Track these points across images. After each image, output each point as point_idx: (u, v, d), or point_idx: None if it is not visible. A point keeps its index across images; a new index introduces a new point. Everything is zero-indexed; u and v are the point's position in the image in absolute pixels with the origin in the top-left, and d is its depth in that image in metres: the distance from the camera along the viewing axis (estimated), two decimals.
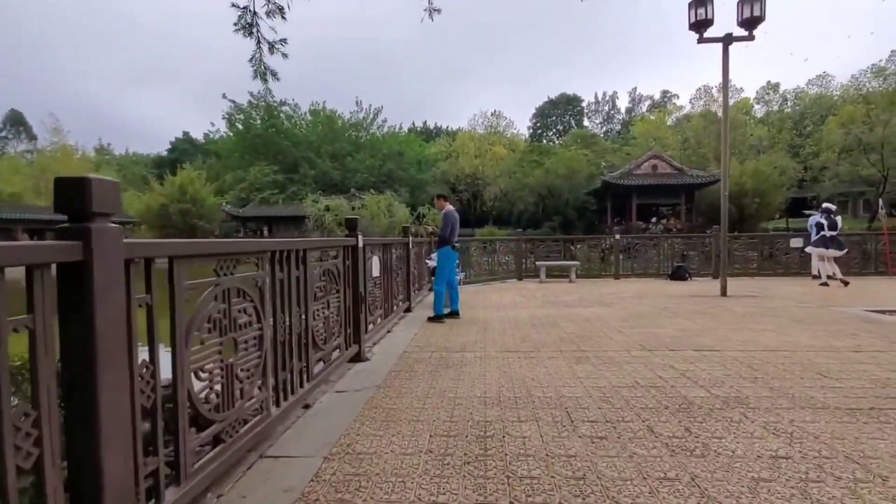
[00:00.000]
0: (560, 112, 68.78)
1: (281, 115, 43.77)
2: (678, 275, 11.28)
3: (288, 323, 2.72)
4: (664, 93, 65.75)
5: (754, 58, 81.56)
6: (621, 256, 12.18)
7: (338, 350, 3.71)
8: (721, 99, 8.67)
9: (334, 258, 3.62)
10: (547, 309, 7.02)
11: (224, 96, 42.86)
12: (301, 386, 2.92)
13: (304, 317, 2.99)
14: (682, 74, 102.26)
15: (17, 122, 54.15)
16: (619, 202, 36.10)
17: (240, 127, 43.35)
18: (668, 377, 3.47)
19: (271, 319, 2.49)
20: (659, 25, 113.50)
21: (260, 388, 2.39)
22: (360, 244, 4.14)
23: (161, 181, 35.27)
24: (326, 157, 40.78)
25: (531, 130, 67.29)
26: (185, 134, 61.43)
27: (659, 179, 33.43)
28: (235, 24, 5.55)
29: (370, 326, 4.34)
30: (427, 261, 7.56)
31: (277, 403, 2.60)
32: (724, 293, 8.03)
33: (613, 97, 73.12)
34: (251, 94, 42.16)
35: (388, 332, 5.01)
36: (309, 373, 3.04)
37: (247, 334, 2.21)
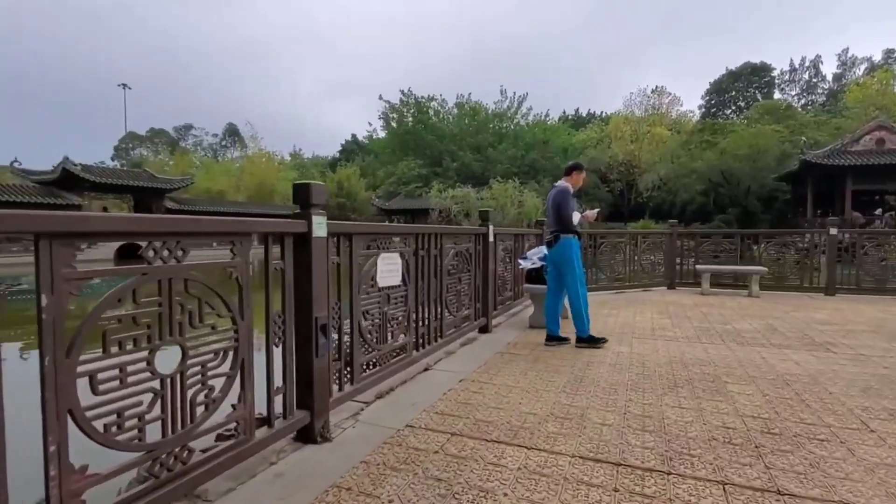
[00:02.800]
0: (742, 85, 58.27)
1: (429, 110, 46.80)
2: None
3: (426, 289, 3.53)
4: (887, 52, 52.05)
5: None
6: (838, 261, 7.95)
7: (467, 320, 4.45)
8: None
9: (467, 243, 4.34)
10: (706, 345, 4.29)
11: (380, 97, 47.60)
12: (436, 340, 3.72)
13: (438, 286, 3.78)
14: None
15: (233, 133, 68.09)
16: (825, 188, 28.25)
17: (393, 125, 47.72)
18: None
19: (413, 285, 3.30)
20: None
21: (405, 334, 3.24)
22: (491, 234, 4.82)
23: (325, 179, 41.11)
24: (468, 150, 42.46)
25: (703, 109, 58.86)
26: (353, 136, 69.93)
27: (888, 158, 25.10)
28: None
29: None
30: (520, 261, 5.29)
31: (417, 349, 3.43)
32: None
33: (816, 62, 59.60)
34: (402, 91, 45.92)
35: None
36: (441, 330, 3.83)
37: (396, 292, 3.06)
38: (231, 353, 1.88)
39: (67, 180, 29.37)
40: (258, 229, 2.03)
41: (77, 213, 1.42)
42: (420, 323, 3.50)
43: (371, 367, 2.88)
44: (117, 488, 1.55)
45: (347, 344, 2.66)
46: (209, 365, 1.79)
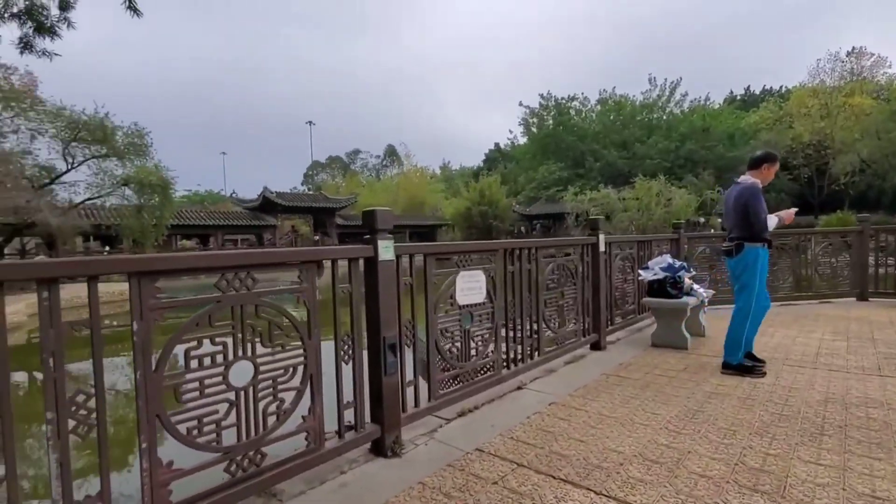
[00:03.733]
0: None
1: (570, 110, 45.17)
2: None
3: (518, 305, 3.42)
4: None
5: None
6: None
7: (574, 336, 4.17)
8: None
9: (567, 256, 4.08)
10: (888, 378, 3.35)
11: (520, 103, 47.47)
12: (531, 357, 3.58)
13: (534, 302, 3.63)
14: None
15: (391, 153, 75.29)
16: None
17: (534, 130, 47.18)
18: None
19: (501, 301, 3.23)
20: None
21: (492, 352, 3.19)
22: (602, 243, 4.45)
23: (468, 189, 42.45)
24: (612, 147, 39.72)
25: None
26: (496, 145, 71.28)
27: None
28: None
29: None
30: (640, 272, 4.71)
31: (508, 366, 3.34)
32: None
33: None
34: (541, 95, 45.19)
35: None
36: (539, 347, 3.66)
37: (480, 310, 3.03)
38: (300, 369, 2.10)
39: (266, 205, 35.81)
40: (326, 256, 2.23)
41: (159, 255, 1.75)
42: (511, 340, 3.40)
43: (451, 384, 2.91)
44: (202, 484, 1.85)
45: (425, 361, 2.74)
46: (280, 380, 2.03)
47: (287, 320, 2.05)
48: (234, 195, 40.62)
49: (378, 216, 2.40)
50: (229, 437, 1.86)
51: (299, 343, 2.09)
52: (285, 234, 37.07)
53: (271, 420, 1.99)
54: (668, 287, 4.39)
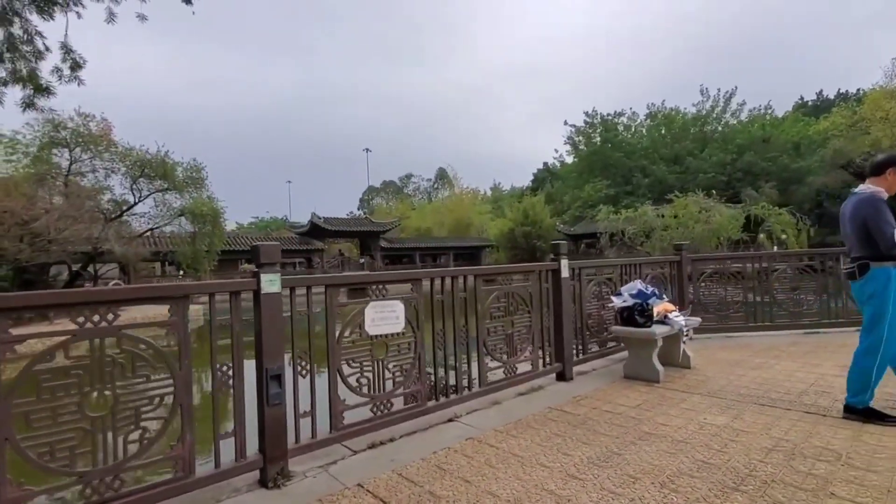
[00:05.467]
0: None
1: (617, 126, 43.94)
2: None
3: (451, 335, 3.37)
4: None
5: None
6: None
7: (534, 367, 4.01)
8: None
9: (517, 282, 3.97)
10: (857, 424, 2.94)
11: (566, 122, 46.81)
12: (467, 389, 3.49)
13: (476, 332, 3.55)
14: None
15: (442, 176, 76.66)
16: None
17: (582, 148, 46.20)
18: None
19: (428, 330, 3.20)
20: None
21: (415, 383, 3.15)
22: (564, 269, 4.28)
23: (513, 210, 42.11)
24: (662, 162, 37.99)
25: None
26: (544, 164, 70.59)
27: None
28: None
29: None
30: (613, 297, 4.35)
31: (436, 397, 3.28)
32: None
33: None
34: (585, 113, 44.32)
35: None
36: (480, 378, 3.56)
37: (399, 340, 3.02)
38: (169, 399, 2.19)
39: (315, 230, 37.54)
40: (198, 291, 2.34)
41: (13, 294, 1.93)
42: (440, 371, 3.34)
43: (371, 413, 2.89)
44: None
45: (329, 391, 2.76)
46: (144, 409, 2.13)
47: (156, 351, 2.16)
48: (287, 220, 43.10)
49: (262, 251, 2.49)
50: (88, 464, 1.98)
51: (168, 374, 2.20)
52: (333, 257, 38.54)
53: (134, 447, 2.09)
54: (635, 315, 4.13)
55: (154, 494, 2.12)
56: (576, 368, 4.46)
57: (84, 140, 20.08)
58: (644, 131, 43.91)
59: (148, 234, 23.44)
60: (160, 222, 21.90)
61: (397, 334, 3.06)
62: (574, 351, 4.45)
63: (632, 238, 19.37)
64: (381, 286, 3.03)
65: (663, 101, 43.52)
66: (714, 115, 40.79)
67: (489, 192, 66.80)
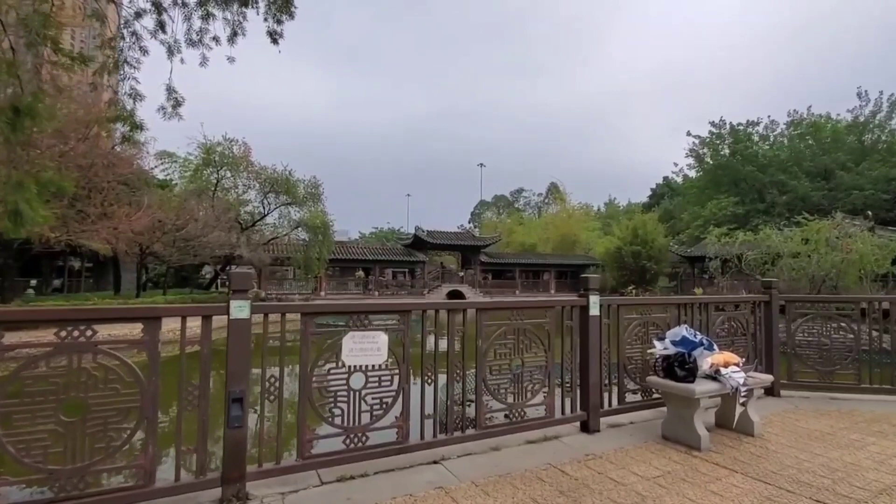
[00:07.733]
0: None
1: (751, 136, 38.60)
2: None
3: (448, 371, 3.21)
4: None
5: None
6: None
7: (546, 412, 3.64)
8: None
9: (538, 318, 3.65)
10: None
11: (688, 133, 42.30)
12: (462, 430, 3.28)
13: (477, 369, 3.35)
14: None
15: (554, 190, 74.97)
16: None
17: (708, 161, 41.49)
18: None
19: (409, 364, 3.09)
20: None
21: (397, 418, 3.05)
22: (594, 306, 3.84)
23: (620, 228, 39.19)
24: (804, 177, 32.38)
25: None
26: (664, 178, 64.96)
27: None
28: None
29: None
30: (656, 343, 3.81)
31: (422, 436, 3.14)
32: None
33: None
34: (711, 123, 39.73)
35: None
36: (478, 421, 3.33)
37: (377, 372, 2.97)
38: (136, 412, 2.41)
39: (417, 242, 39.15)
40: (171, 314, 2.54)
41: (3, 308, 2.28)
42: (429, 408, 3.19)
43: (343, 446, 2.87)
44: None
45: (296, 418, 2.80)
46: (111, 419, 2.36)
47: (127, 366, 2.40)
48: (399, 231, 45.69)
49: (233, 278, 2.63)
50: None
51: (137, 389, 2.41)
52: (434, 269, 39.69)
53: (100, 453, 2.33)
54: (675, 366, 3.53)
55: (115, 498, 2.33)
56: (609, 419, 3.96)
57: (227, 162, 23.65)
58: (785, 142, 38.09)
59: (273, 241, 26.73)
60: (281, 232, 24.77)
61: (377, 366, 3.00)
62: (606, 399, 3.95)
63: (751, 265, 16.56)
64: (364, 315, 3.01)
65: (809, 107, 37.37)
66: (875, 122, 33.88)
67: (603, 209, 63.38)
